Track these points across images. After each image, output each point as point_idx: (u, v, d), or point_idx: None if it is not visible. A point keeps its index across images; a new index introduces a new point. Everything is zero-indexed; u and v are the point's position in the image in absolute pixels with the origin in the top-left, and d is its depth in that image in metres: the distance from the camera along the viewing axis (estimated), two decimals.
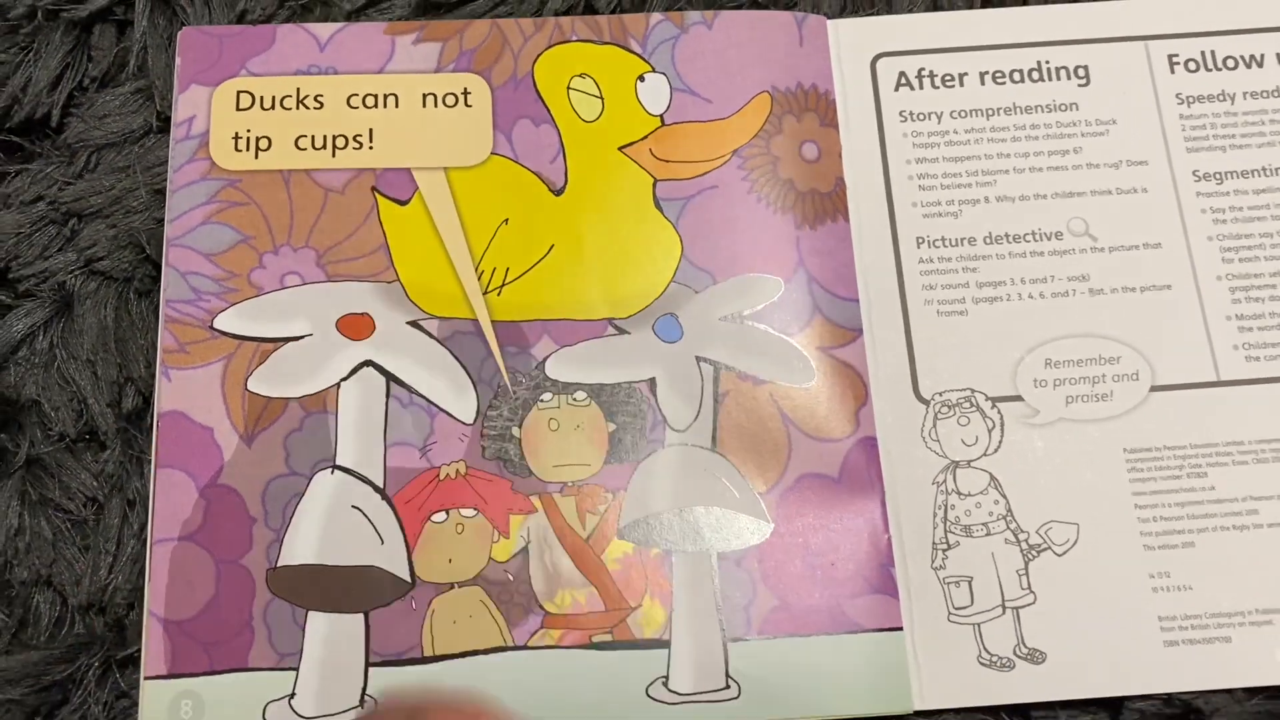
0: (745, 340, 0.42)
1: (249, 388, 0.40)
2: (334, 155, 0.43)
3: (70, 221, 0.43)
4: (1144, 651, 0.39)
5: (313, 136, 0.43)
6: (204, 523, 0.39)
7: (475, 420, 0.41)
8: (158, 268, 0.42)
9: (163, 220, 0.42)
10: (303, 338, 0.41)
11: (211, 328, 0.41)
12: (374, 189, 0.42)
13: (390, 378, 0.41)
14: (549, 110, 0.44)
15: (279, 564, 0.39)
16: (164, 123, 0.44)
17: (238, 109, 0.43)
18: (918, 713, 0.39)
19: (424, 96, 0.43)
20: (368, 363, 0.41)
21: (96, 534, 0.40)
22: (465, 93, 0.44)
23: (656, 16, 0.45)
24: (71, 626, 0.39)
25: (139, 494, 0.40)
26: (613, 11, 0.46)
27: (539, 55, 0.44)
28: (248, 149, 0.42)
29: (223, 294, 0.41)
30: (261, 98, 0.43)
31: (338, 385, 0.40)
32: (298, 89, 0.43)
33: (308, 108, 0.43)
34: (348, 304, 0.41)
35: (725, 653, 0.39)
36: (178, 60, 0.43)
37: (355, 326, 0.41)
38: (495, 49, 0.44)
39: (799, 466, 0.41)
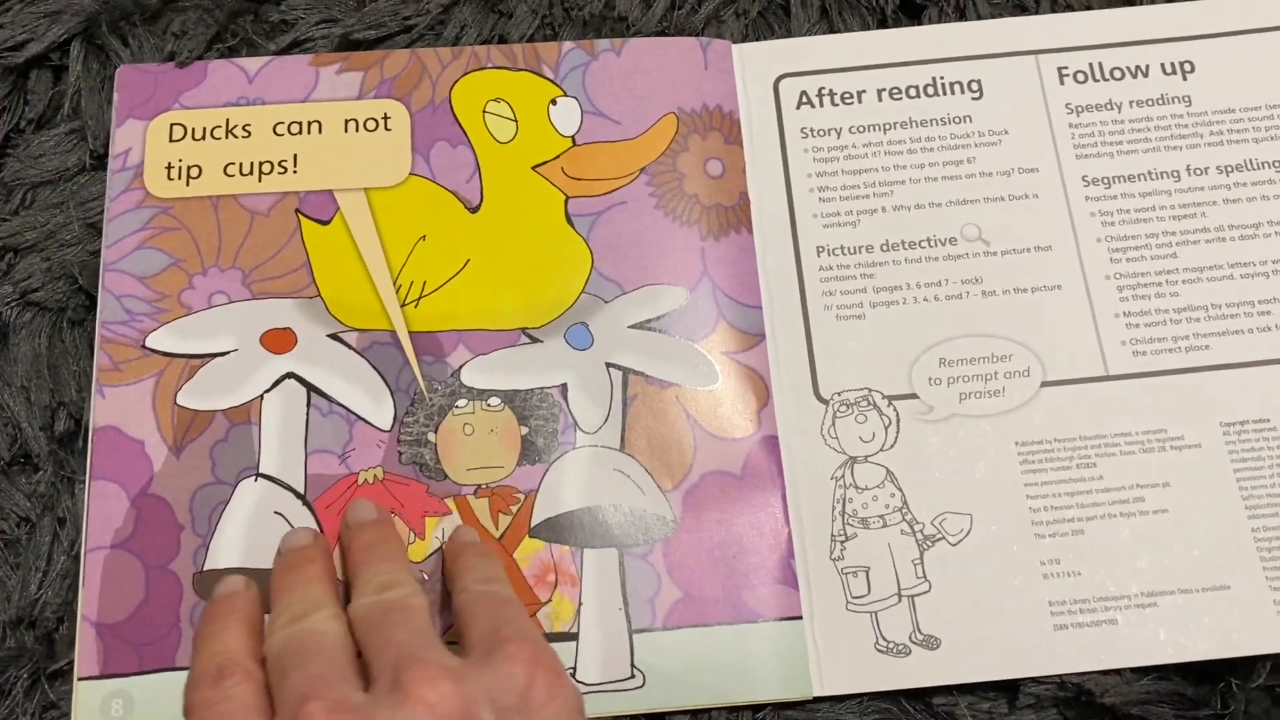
0: (652, 346, 0.44)
1: (178, 402, 0.42)
2: (260, 180, 0.45)
3: (6, 255, 0.45)
4: (1035, 636, 0.40)
5: (240, 164, 0.45)
6: (134, 531, 0.41)
7: (392, 427, 0.43)
8: (90, 298, 0.44)
9: (95, 253, 0.44)
10: (229, 353, 0.43)
11: (144, 346, 0.43)
12: (298, 210, 0.45)
13: (311, 388, 0.43)
14: (465, 133, 0.46)
15: (205, 568, 0.40)
16: (97, 160, 0.46)
17: (171, 140, 0.45)
18: (817, 698, 0.40)
19: (346, 122, 0.46)
20: (290, 375, 0.43)
21: (28, 551, 0.41)
22: (385, 117, 0.46)
23: (568, 45, 0.48)
24: (3, 641, 0.41)
25: (69, 512, 0.42)
26: (526, 42, 0.49)
27: (456, 81, 0.47)
28: (179, 177, 0.45)
29: (154, 314, 0.43)
30: (193, 129, 0.46)
31: (261, 397, 0.42)
32: (227, 120, 0.46)
33: (236, 137, 0.46)
34: (271, 319, 0.43)
35: (631, 644, 0.40)
36: (115, 96, 0.46)
37: (278, 341, 0.43)
38: (414, 76, 0.47)
39: (703, 465, 0.42)
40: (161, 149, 0.45)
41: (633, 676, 0.40)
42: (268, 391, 0.42)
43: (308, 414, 0.42)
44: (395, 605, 0.35)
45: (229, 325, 0.43)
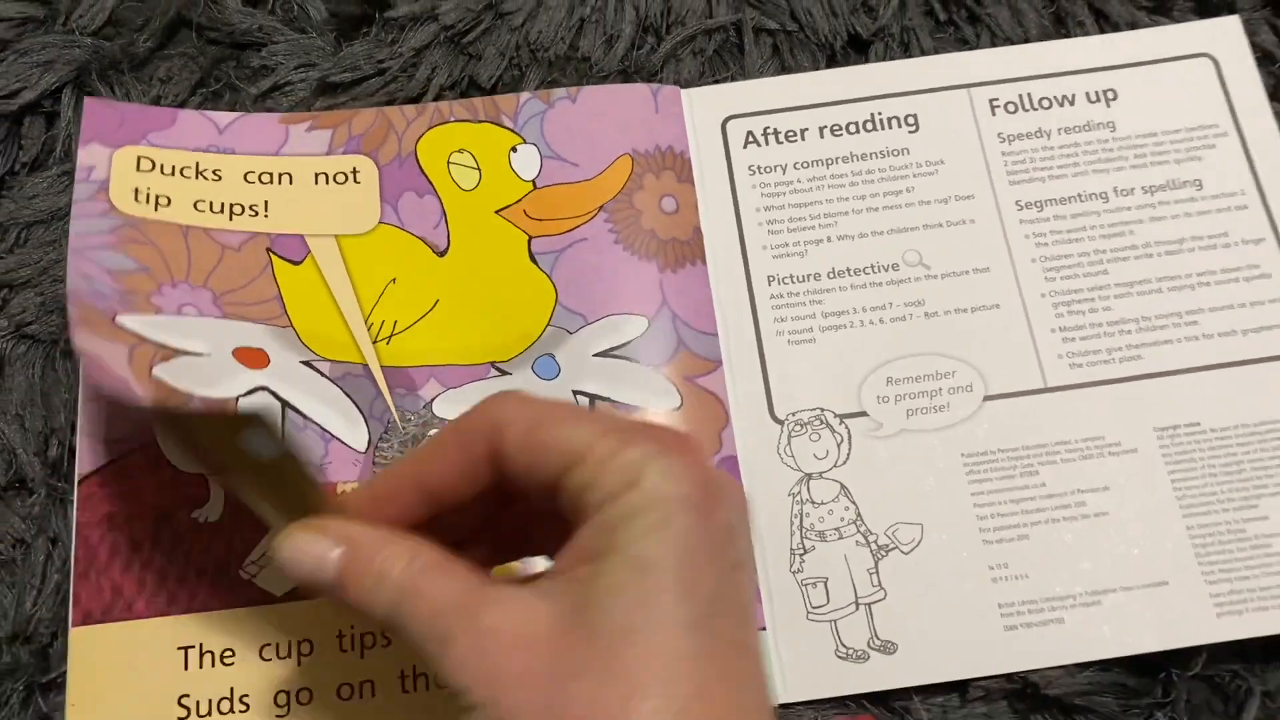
0: (616, 373, 0.46)
1: (154, 374, 0.42)
2: (231, 220, 0.46)
3: (2, 291, 0.47)
4: (986, 636, 0.42)
5: (210, 202, 0.47)
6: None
7: (367, 449, 0.44)
8: None
9: None
10: (201, 355, 0.43)
11: (114, 322, 0.42)
12: (269, 250, 0.47)
13: (285, 404, 0.44)
14: (431, 183, 0.49)
15: None
16: None
17: (138, 169, 0.46)
18: (782, 705, 0.42)
19: (316, 175, 0.48)
20: (264, 388, 0.44)
21: (23, 570, 0.43)
22: (354, 171, 0.48)
23: (525, 95, 0.50)
24: None
25: (61, 532, 0.44)
26: (494, 88, 0.51)
27: (421, 136, 0.49)
28: (148, 202, 0.46)
29: (124, 302, 0.43)
30: (161, 164, 0.47)
31: (236, 400, 0.43)
32: (197, 163, 0.47)
33: (206, 179, 0.47)
34: (243, 339, 0.44)
35: None
36: (81, 125, 0.47)
37: (251, 358, 0.44)
38: (381, 133, 0.49)
39: None
40: (128, 175, 0.46)
41: None
42: (243, 396, 0.44)
43: (283, 421, 0.44)
44: None
45: (200, 334, 0.44)
